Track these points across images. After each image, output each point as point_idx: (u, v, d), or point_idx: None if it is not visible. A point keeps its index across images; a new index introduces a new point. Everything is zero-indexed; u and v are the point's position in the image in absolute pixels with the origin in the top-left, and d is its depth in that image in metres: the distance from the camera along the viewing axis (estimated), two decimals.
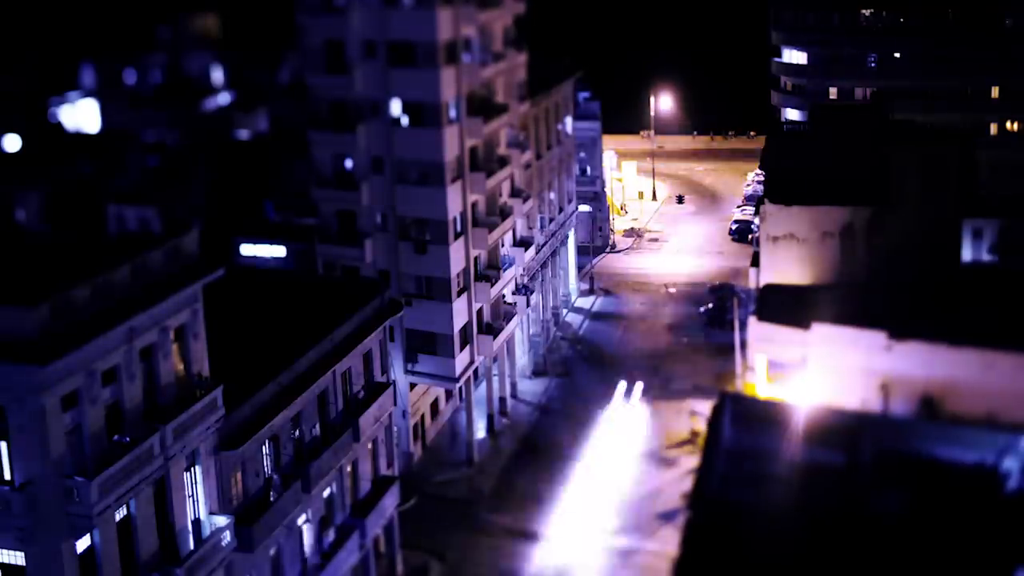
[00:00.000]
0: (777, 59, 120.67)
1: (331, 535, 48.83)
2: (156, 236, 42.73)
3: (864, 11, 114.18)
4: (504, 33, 69.87)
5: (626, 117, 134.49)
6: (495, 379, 71.02)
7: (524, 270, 74.52)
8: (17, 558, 35.74)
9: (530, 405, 73.63)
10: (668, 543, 52.46)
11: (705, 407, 53.60)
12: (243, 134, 78.40)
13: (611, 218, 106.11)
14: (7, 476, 35.35)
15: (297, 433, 46.82)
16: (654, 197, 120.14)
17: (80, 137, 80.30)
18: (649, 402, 73.19)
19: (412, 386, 65.39)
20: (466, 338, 64.79)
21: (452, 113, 62.11)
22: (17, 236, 47.86)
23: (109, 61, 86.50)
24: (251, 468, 43.67)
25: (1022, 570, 27.10)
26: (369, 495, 52.58)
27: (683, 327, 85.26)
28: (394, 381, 58.20)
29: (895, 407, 42.01)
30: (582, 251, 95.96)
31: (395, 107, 61.76)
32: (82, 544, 36.11)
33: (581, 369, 79.13)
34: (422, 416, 67.97)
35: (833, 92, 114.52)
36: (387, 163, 62.43)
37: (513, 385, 74.22)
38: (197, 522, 41.01)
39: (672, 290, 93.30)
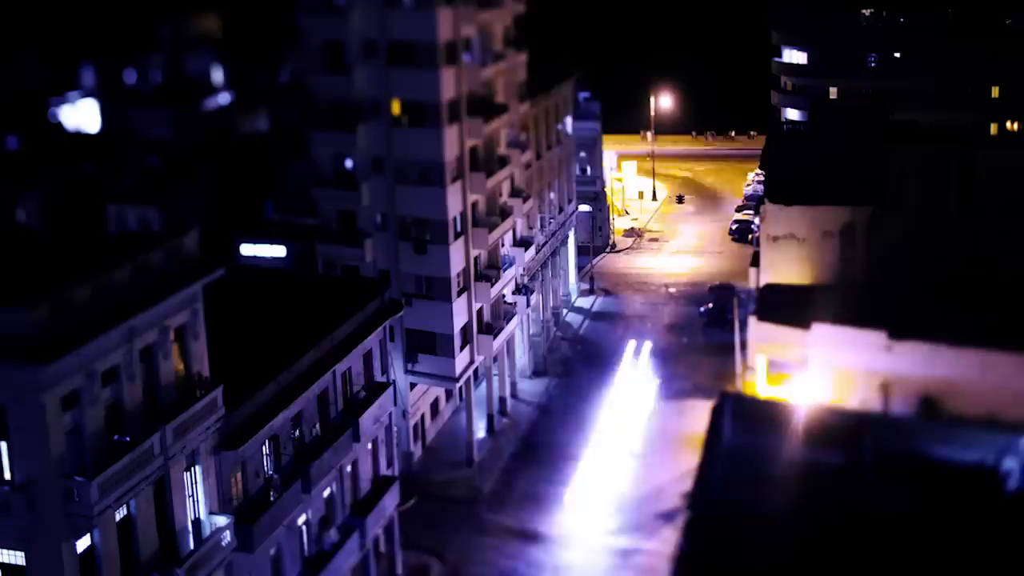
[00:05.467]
0: (777, 59, 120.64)
1: (331, 535, 48.81)
2: (156, 236, 42.74)
3: (864, 11, 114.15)
4: (504, 33, 69.85)
5: (626, 117, 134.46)
6: (495, 379, 70.98)
7: (524, 270, 74.48)
8: (17, 558, 35.71)
9: (530, 405, 73.58)
10: (668, 543, 52.43)
11: (705, 406, 53.58)
12: (243, 134, 78.32)
13: (611, 218, 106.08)
14: (7, 476, 35.32)
15: (297, 433, 46.79)
16: (654, 197, 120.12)
17: (80, 137, 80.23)
18: (648, 401, 73.20)
19: (412, 386, 65.37)
20: (466, 338, 64.78)
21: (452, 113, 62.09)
22: (17, 236, 47.82)
23: (109, 61, 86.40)
24: (251, 468, 43.65)
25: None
26: (369, 495, 52.54)
27: (683, 327, 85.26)
28: (394, 381, 58.17)
29: (895, 407, 42.03)
30: (582, 251, 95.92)
31: (395, 107, 61.77)
32: (82, 544, 36.08)
33: (581, 369, 79.11)
34: (422, 416, 67.94)
35: (833, 92, 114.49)
36: (387, 163, 62.43)
37: (513, 385, 74.19)
38: (197, 522, 40.99)
39: (672, 290, 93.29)
